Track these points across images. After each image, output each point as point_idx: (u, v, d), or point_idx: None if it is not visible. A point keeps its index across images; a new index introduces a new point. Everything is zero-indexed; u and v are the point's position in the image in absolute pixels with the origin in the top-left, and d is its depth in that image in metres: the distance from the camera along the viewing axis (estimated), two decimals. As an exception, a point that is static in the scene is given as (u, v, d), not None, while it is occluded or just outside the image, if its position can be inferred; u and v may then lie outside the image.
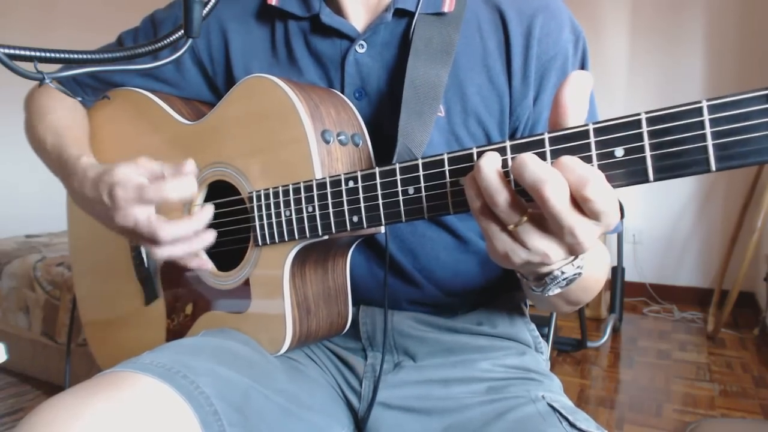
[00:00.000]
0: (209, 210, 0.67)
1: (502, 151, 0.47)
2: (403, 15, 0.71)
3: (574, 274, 0.52)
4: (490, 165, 0.45)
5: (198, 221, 0.66)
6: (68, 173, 0.73)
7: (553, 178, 0.42)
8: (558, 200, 0.42)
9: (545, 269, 0.51)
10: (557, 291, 0.54)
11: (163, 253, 0.65)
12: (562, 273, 0.51)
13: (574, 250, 0.46)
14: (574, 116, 0.45)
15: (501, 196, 0.44)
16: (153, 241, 0.64)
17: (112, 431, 0.49)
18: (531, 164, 0.42)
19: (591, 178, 0.41)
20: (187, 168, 0.63)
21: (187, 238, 0.66)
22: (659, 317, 3.10)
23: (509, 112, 0.70)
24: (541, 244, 0.46)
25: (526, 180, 0.42)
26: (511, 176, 0.46)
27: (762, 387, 2.22)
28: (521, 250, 0.47)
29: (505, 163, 0.47)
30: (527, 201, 0.45)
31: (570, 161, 0.43)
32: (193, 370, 0.58)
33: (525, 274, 0.55)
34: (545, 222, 0.44)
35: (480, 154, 0.49)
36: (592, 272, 0.62)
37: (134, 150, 0.84)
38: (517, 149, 0.47)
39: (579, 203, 0.42)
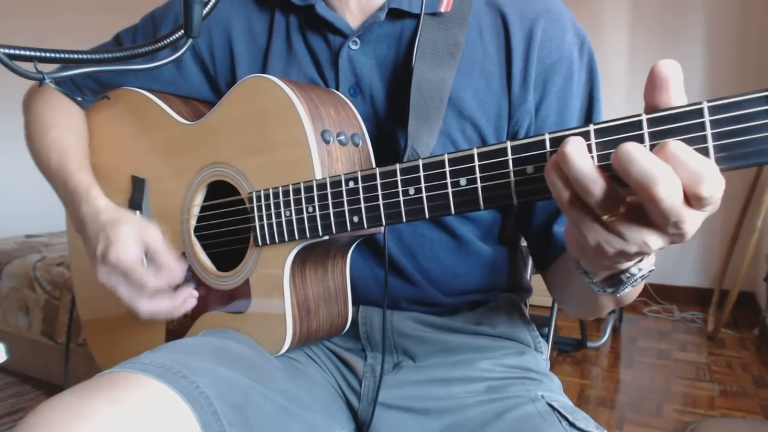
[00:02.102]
0: (192, 296, 0.74)
1: (585, 135, 0.43)
2: (400, 15, 0.70)
3: (650, 270, 0.50)
4: (579, 151, 0.40)
5: (178, 302, 0.72)
6: (77, 200, 0.75)
7: (665, 176, 0.37)
8: (671, 201, 0.38)
9: (623, 266, 0.48)
10: (629, 289, 0.51)
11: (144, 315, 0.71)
12: (640, 270, 0.49)
13: (675, 240, 0.43)
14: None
15: (596, 186, 0.40)
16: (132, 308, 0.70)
17: None
18: (640, 158, 0.38)
19: (706, 174, 0.38)
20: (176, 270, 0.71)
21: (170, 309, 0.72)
22: (659, 317, 3.09)
23: (508, 116, 0.70)
24: (640, 235, 0.42)
25: (632, 176, 0.38)
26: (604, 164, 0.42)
27: (762, 387, 2.21)
28: (617, 240, 0.43)
29: (588, 148, 0.43)
30: (622, 187, 0.41)
31: (682, 153, 0.38)
32: (192, 371, 0.58)
33: (596, 271, 0.51)
34: (646, 213, 0.40)
35: (482, 154, 0.49)
36: None
37: (134, 151, 0.84)
38: (604, 133, 0.43)
39: (690, 199, 0.39)
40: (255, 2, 0.77)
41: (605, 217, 0.42)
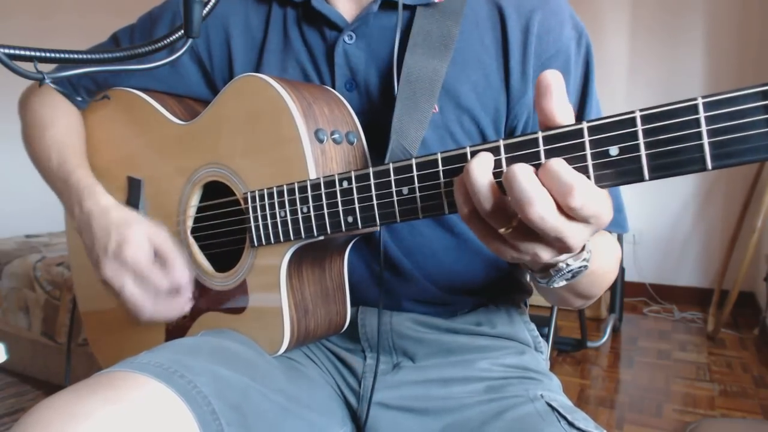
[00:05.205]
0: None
1: (495, 150, 0.47)
2: (393, 7, 0.70)
3: (580, 267, 0.51)
4: (479, 169, 0.45)
5: (180, 305, 0.72)
6: (79, 196, 0.75)
7: (539, 198, 0.41)
8: (543, 222, 0.42)
9: (551, 261, 0.50)
10: (563, 284, 0.53)
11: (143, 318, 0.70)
12: (567, 266, 0.51)
13: (564, 251, 0.46)
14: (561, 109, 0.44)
15: (488, 203, 0.44)
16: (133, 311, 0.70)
17: (110, 431, 0.49)
18: (519, 178, 0.42)
19: (575, 186, 0.41)
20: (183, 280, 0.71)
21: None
22: (659, 317, 3.09)
23: (507, 110, 0.70)
24: (529, 248, 0.46)
25: (513, 194, 0.42)
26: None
27: (762, 387, 2.21)
28: (511, 251, 0.47)
29: (498, 164, 0.46)
30: None
31: (555, 168, 0.42)
32: (190, 370, 0.58)
33: (528, 265, 0.55)
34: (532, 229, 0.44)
35: (474, 153, 0.49)
36: (600, 265, 0.61)
37: (130, 151, 0.84)
38: (511, 149, 0.46)
39: (565, 211, 0.42)
40: None
41: (501, 230, 0.45)
